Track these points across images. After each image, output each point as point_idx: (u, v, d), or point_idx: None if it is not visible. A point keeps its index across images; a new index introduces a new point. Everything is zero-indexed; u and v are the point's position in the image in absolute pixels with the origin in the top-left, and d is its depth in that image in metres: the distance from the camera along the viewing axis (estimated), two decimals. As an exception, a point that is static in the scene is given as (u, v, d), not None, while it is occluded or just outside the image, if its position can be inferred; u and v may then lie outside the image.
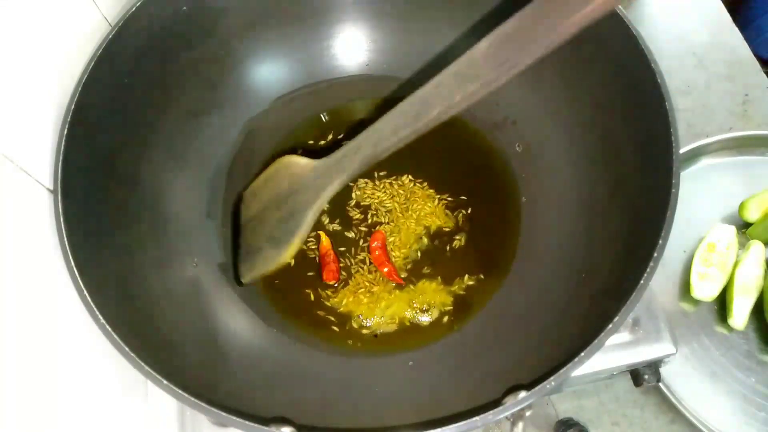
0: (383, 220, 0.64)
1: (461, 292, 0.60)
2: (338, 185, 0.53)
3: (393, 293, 0.60)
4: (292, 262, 0.60)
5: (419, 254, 0.62)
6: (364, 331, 0.59)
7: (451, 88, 0.45)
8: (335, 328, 0.59)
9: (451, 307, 0.59)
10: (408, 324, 0.59)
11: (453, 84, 0.45)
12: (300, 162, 0.57)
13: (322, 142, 0.67)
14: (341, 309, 0.59)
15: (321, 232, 0.63)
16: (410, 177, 0.66)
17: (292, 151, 0.66)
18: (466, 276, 0.61)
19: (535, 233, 0.61)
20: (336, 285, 0.60)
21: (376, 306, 0.60)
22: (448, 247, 0.62)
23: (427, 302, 0.60)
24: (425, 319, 0.59)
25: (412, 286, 0.60)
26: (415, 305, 0.59)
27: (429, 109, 0.46)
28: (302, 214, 0.55)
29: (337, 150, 0.53)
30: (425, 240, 0.63)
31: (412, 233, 0.63)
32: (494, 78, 0.43)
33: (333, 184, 0.53)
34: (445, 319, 0.59)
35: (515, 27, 0.42)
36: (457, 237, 0.63)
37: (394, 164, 0.66)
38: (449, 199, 0.65)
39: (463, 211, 0.64)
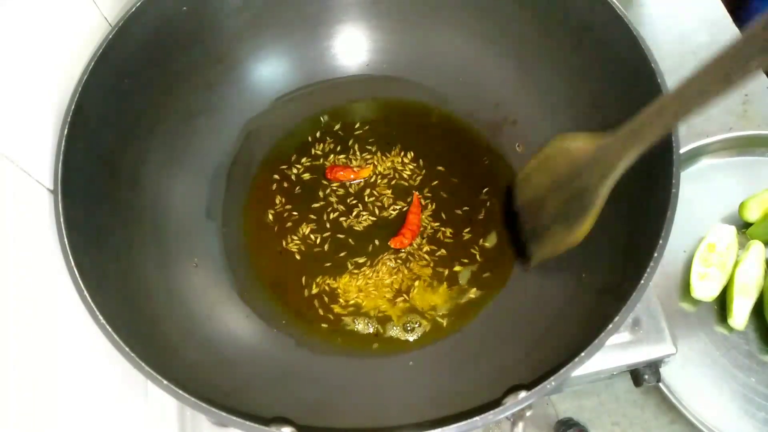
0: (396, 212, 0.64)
1: (462, 293, 0.60)
2: (634, 156, 0.47)
3: (390, 287, 0.60)
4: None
5: (420, 254, 0.62)
6: (364, 330, 0.59)
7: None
8: (336, 327, 0.59)
9: (451, 308, 0.59)
10: (407, 324, 0.59)
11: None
12: (577, 143, 0.53)
13: (322, 144, 0.67)
14: (342, 306, 0.60)
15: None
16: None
17: (292, 150, 0.66)
18: (467, 276, 0.61)
19: (535, 233, 0.61)
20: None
21: (377, 298, 0.60)
22: (448, 247, 0.62)
23: (427, 303, 0.60)
24: (423, 320, 0.59)
25: (411, 289, 0.60)
26: (414, 307, 0.60)
27: (744, 65, 0.40)
28: (593, 192, 0.51)
29: (628, 122, 0.47)
30: (426, 241, 0.63)
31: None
32: None
33: (629, 155, 0.47)
34: (445, 319, 0.59)
35: None
36: (457, 237, 0.63)
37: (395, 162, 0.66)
38: (449, 198, 0.64)
39: (463, 212, 0.64)
